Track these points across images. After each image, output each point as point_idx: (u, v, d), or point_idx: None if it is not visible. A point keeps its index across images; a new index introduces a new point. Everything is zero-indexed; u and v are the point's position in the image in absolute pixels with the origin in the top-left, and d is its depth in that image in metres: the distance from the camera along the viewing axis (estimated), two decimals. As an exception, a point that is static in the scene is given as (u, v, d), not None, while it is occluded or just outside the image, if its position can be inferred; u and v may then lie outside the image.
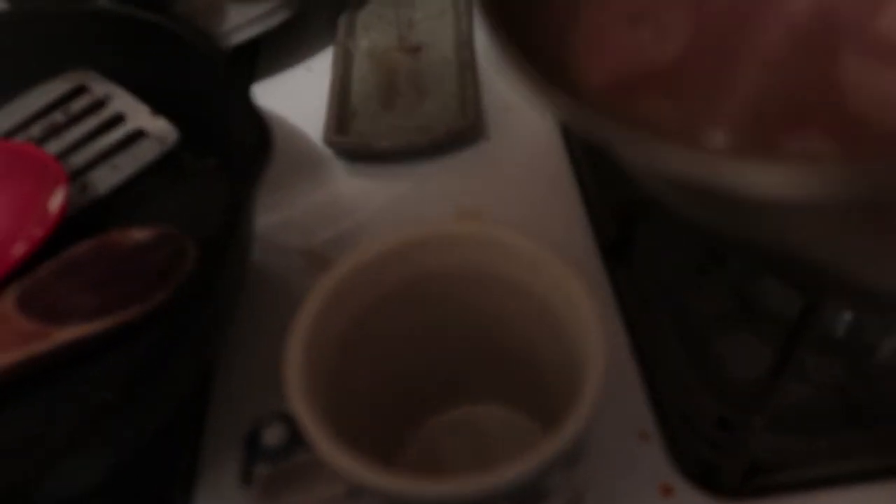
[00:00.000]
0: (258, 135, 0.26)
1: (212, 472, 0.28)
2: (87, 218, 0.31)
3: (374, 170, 0.39)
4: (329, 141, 0.39)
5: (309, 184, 0.39)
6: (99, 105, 0.34)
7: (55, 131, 0.34)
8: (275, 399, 0.21)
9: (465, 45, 0.42)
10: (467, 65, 0.41)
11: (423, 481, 0.16)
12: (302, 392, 0.18)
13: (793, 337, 0.27)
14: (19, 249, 0.28)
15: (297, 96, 0.44)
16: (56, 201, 0.29)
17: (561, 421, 0.17)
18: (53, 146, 0.33)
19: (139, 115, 0.34)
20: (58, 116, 0.34)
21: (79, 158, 0.33)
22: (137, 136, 0.33)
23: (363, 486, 0.17)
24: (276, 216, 0.38)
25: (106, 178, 0.32)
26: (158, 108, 0.34)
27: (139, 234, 0.29)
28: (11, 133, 0.34)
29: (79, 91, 0.35)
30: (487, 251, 0.21)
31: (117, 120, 0.34)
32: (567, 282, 0.20)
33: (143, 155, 0.33)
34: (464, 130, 0.38)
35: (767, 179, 0.12)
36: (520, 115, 0.41)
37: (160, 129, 0.33)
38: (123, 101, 0.34)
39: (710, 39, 0.17)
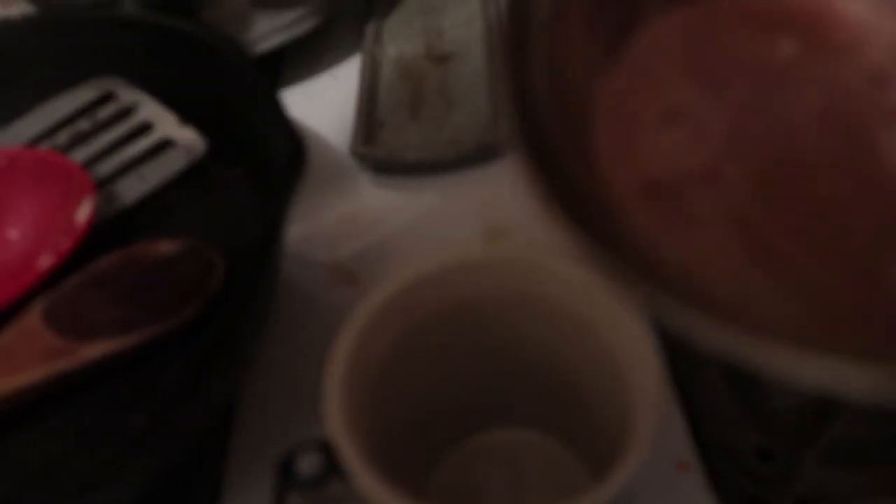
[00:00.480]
0: (292, 147, 0.25)
1: (237, 499, 0.27)
2: (112, 229, 0.31)
3: (401, 182, 0.39)
4: (356, 152, 0.38)
5: (334, 195, 0.39)
6: (126, 113, 0.34)
7: (81, 139, 0.33)
8: (301, 420, 0.21)
9: (494, 55, 0.42)
10: (497, 76, 0.41)
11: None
12: (343, 422, 0.18)
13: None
14: (46, 261, 0.27)
15: (321, 104, 0.43)
16: (84, 212, 0.28)
17: (610, 460, 0.16)
18: (79, 154, 0.33)
19: (167, 124, 0.33)
20: (84, 124, 0.34)
21: (105, 167, 0.32)
22: (165, 145, 0.33)
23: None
24: (300, 228, 0.37)
25: (133, 189, 0.32)
26: (186, 117, 0.34)
27: (166, 247, 0.28)
28: (37, 140, 0.33)
29: (106, 98, 0.34)
30: (534, 276, 0.21)
31: (145, 128, 0.33)
32: (619, 311, 0.19)
33: (170, 165, 0.32)
34: (494, 143, 0.38)
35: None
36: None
37: (188, 138, 0.33)
38: (151, 110, 0.34)
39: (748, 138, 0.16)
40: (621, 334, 0.19)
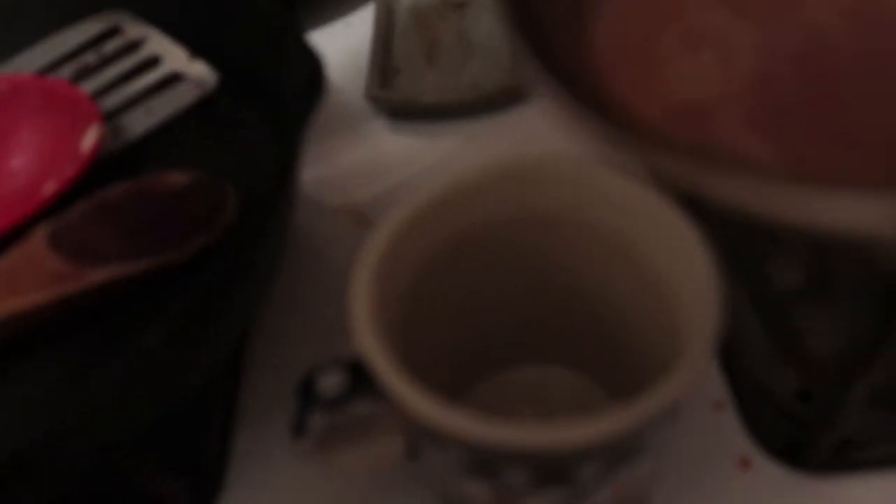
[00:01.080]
0: (311, 66, 0.24)
1: (249, 429, 0.26)
2: (121, 163, 0.29)
3: (418, 127, 0.37)
4: (371, 96, 0.37)
5: (350, 141, 0.37)
6: (133, 47, 0.32)
7: (87, 73, 0.32)
8: (315, 355, 0.20)
9: None
10: (517, 21, 0.39)
11: (522, 429, 0.14)
12: (371, 326, 0.16)
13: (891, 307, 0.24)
14: (50, 188, 0.26)
15: (335, 52, 0.42)
16: (89, 140, 0.27)
17: (646, 385, 0.15)
18: (85, 87, 0.31)
19: (176, 58, 0.32)
20: (90, 58, 0.32)
21: (111, 101, 0.31)
22: (174, 79, 0.31)
23: (434, 429, 0.15)
24: (315, 172, 0.36)
25: (140, 122, 0.30)
26: (197, 52, 0.32)
27: (177, 179, 0.27)
28: (42, 73, 0.32)
29: (112, 32, 0.33)
30: (571, 190, 0.19)
31: (152, 62, 0.32)
32: (670, 227, 0.18)
33: (179, 99, 0.31)
34: (514, 88, 0.36)
35: None
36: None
37: (198, 72, 0.31)
38: (159, 44, 0.32)
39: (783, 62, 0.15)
40: (669, 250, 0.18)
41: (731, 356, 0.27)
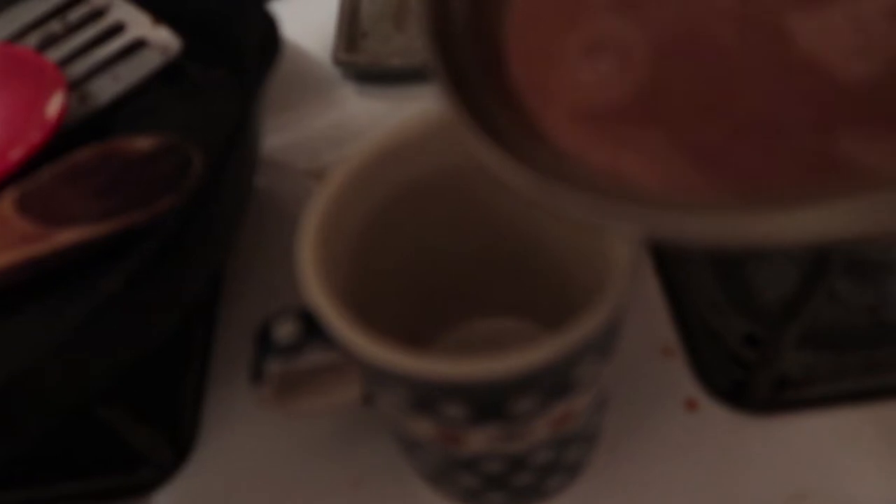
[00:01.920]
0: (265, 28, 0.24)
1: (220, 384, 0.27)
2: (88, 130, 0.30)
3: (385, 91, 0.38)
4: (338, 60, 0.37)
5: (317, 105, 0.38)
6: (98, 14, 0.33)
7: (53, 41, 0.32)
8: (283, 303, 0.21)
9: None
10: (482, -17, 0.39)
11: (451, 361, 0.15)
12: (315, 273, 0.17)
13: (823, 257, 0.25)
14: (16, 154, 0.26)
15: (303, 18, 0.42)
16: (54, 106, 0.28)
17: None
18: (51, 56, 0.32)
19: (140, 24, 0.32)
20: (55, 26, 0.33)
21: (78, 68, 0.31)
22: (139, 45, 0.32)
23: (385, 369, 0.16)
24: (282, 138, 0.36)
25: (106, 89, 0.31)
26: (160, 17, 0.32)
27: (143, 143, 0.28)
28: (7, 42, 0.32)
29: (77, 0, 0.33)
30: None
31: (117, 29, 0.32)
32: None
33: (144, 65, 0.31)
34: (479, 49, 0.37)
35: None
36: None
37: (162, 38, 0.32)
38: (123, 10, 0.33)
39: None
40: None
41: (682, 305, 0.28)
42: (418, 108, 0.37)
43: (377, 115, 0.37)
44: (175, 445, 0.26)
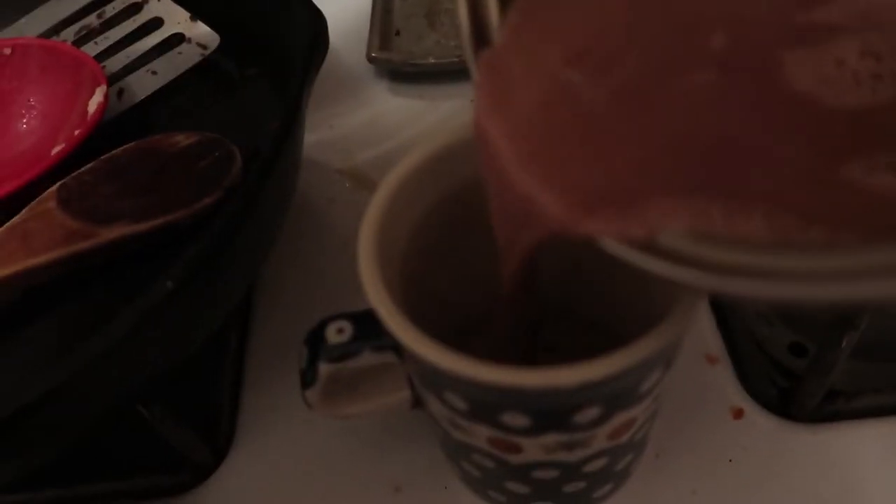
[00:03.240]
0: (313, 27, 0.24)
1: (257, 385, 0.27)
2: (127, 125, 0.30)
3: (418, 89, 0.38)
4: (372, 57, 0.37)
5: (351, 103, 0.37)
6: (135, 9, 0.33)
7: (89, 35, 0.32)
8: (318, 311, 0.21)
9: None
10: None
11: (518, 371, 0.15)
12: (375, 278, 0.17)
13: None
14: (58, 149, 0.26)
15: (336, 15, 0.41)
16: (95, 101, 0.28)
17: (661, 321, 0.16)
18: (88, 50, 0.31)
19: (178, 20, 0.32)
20: (92, 20, 0.32)
21: (115, 63, 0.31)
22: (176, 41, 0.32)
23: (447, 376, 0.16)
24: (316, 135, 0.36)
25: (144, 84, 0.31)
26: (197, 12, 0.32)
27: (183, 139, 0.27)
28: (45, 36, 0.32)
29: (113, -6, 0.33)
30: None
31: (155, 24, 0.32)
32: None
33: (182, 61, 0.31)
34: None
35: None
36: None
37: (200, 34, 0.31)
38: (161, 5, 0.32)
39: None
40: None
41: (726, 313, 0.27)
42: (451, 106, 0.37)
43: (410, 113, 0.37)
44: (213, 446, 0.26)
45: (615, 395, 0.16)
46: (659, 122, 0.14)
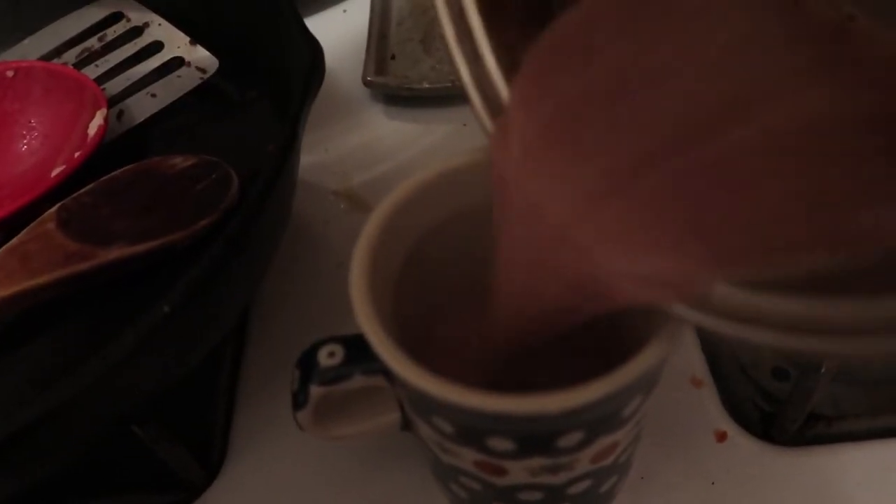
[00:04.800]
0: (311, 54, 0.25)
1: (250, 403, 0.28)
2: (125, 148, 0.31)
3: (413, 113, 0.38)
4: (368, 81, 0.38)
5: (346, 126, 0.38)
6: (136, 32, 0.33)
7: (90, 58, 0.33)
8: (311, 332, 0.21)
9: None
10: (511, 9, 0.40)
11: (503, 397, 0.15)
12: (367, 304, 0.18)
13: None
14: (58, 170, 0.27)
15: (331, 38, 0.42)
16: (95, 124, 0.28)
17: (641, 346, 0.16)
18: (89, 73, 0.32)
19: (178, 44, 0.33)
20: (93, 43, 0.33)
21: (115, 86, 0.32)
22: (176, 64, 0.32)
23: (434, 401, 0.16)
24: (311, 157, 0.37)
25: (143, 107, 0.31)
26: (196, 36, 0.33)
27: (181, 161, 0.28)
28: (46, 58, 0.33)
29: (115, 18, 0.34)
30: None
31: (155, 48, 0.33)
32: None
33: (181, 84, 0.32)
34: (507, 74, 0.37)
35: None
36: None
37: (200, 58, 0.32)
38: (161, 30, 0.33)
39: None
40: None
41: (710, 336, 0.28)
42: (446, 130, 0.38)
43: (405, 136, 0.37)
44: (206, 465, 0.26)
45: (598, 421, 0.17)
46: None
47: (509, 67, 0.19)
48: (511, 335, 0.19)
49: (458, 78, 0.19)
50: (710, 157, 0.14)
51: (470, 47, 0.19)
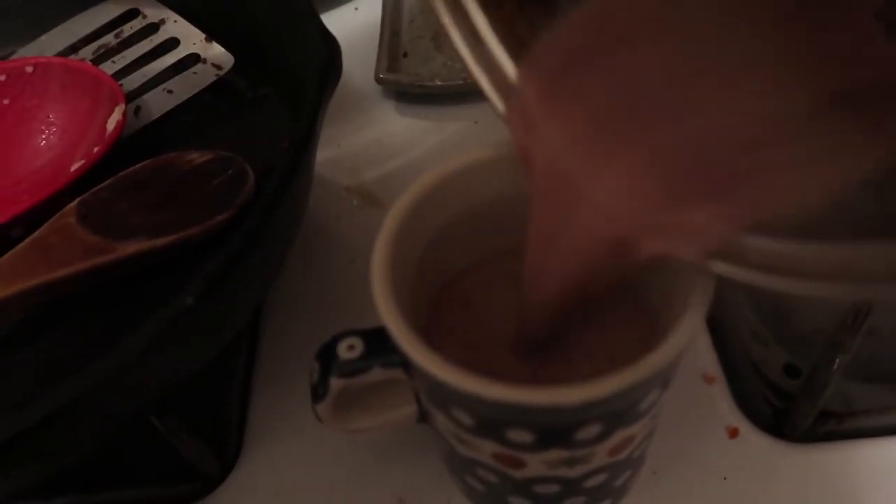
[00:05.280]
0: (327, 51, 0.25)
1: (265, 397, 0.28)
2: (142, 143, 0.31)
3: (425, 110, 0.38)
4: (380, 78, 0.38)
5: (358, 123, 0.38)
6: (152, 29, 0.34)
7: (107, 54, 0.33)
8: (326, 326, 0.21)
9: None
10: (522, 7, 0.40)
11: (523, 389, 0.16)
12: (388, 297, 0.18)
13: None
14: (77, 165, 0.27)
15: (344, 35, 0.42)
16: (114, 119, 0.28)
17: (663, 336, 0.17)
18: (105, 69, 0.32)
19: (194, 41, 0.33)
20: (110, 39, 0.33)
21: (131, 82, 0.32)
22: (192, 61, 0.33)
23: (454, 393, 0.17)
24: (324, 154, 0.37)
25: (159, 103, 0.32)
26: (212, 33, 0.33)
27: (198, 157, 0.28)
28: (63, 54, 0.33)
29: (131, 14, 0.34)
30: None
31: (171, 44, 0.33)
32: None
33: (197, 80, 0.32)
34: (519, 72, 0.37)
35: None
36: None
37: (215, 54, 0.32)
38: (177, 26, 0.33)
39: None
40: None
41: (723, 333, 0.28)
42: (457, 126, 0.38)
43: (417, 133, 0.38)
44: (221, 458, 0.26)
45: (616, 413, 0.17)
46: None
47: (513, 45, 0.20)
48: (539, 313, 0.19)
49: (460, 57, 0.20)
50: (725, 122, 0.15)
51: (468, 28, 0.20)
